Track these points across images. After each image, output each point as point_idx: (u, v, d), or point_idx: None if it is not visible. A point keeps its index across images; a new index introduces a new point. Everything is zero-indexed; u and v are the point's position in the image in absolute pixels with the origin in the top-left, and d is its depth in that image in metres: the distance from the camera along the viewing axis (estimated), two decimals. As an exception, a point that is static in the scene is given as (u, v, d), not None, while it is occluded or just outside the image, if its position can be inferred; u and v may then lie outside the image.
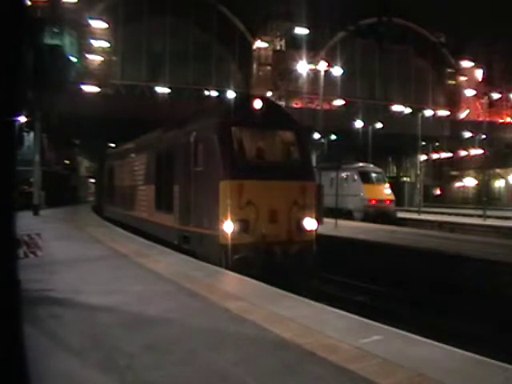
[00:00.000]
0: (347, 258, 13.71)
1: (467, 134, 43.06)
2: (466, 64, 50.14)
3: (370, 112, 44.37)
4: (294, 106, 42.27)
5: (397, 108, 48.89)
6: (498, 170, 42.31)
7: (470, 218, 25.75)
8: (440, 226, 23.80)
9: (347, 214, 25.18)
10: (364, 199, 25.93)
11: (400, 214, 27.39)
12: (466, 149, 46.04)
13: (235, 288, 7.09)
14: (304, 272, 9.50)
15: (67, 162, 44.68)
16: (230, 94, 40.07)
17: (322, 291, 10.45)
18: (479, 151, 40.93)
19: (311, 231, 9.80)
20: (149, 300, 5.97)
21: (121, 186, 18.72)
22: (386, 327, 5.01)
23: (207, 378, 3.67)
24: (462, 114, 51.28)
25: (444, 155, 49.15)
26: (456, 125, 45.76)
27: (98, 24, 34.28)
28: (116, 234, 14.45)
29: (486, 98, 42.12)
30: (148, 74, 43.86)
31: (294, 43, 41.96)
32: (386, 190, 26.99)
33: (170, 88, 42.47)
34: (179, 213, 11.07)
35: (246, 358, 4.07)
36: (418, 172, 37.59)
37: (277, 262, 9.16)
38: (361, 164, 29.49)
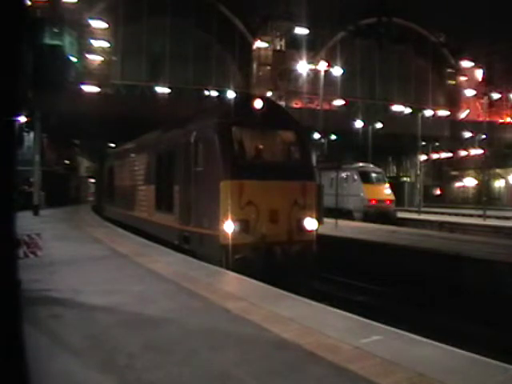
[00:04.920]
0: (347, 258, 13.71)
1: (467, 134, 43.05)
2: (465, 64, 50.15)
3: (370, 112, 44.35)
4: (294, 105, 42.26)
5: (397, 108, 48.89)
6: (497, 170, 42.29)
7: (470, 218, 25.75)
8: (440, 226, 23.79)
9: (347, 214, 25.17)
10: (364, 199, 25.92)
11: (400, 214, 27.38)
12: (466, 149, 46.03)
13: (235, 288, 7.09)
14: (304, 272, 9.50)
15: (67, 161, 44.66)
16: (230, 94, 40.09)
17: (322, 291, 10.45)
18: (479, 151, 40.91)
19: (311, 231, 9.80)
20: (149, 300, 5.97)
21: (121, 185, 18.71)
22: (386, 327, 5.01)
23: (207, 378, 3.67)
24: (462, 114, 51.27)
25: (444, 155, 49.14)
26: (456, 125, 45.73)
27: (98, 24, 34.33)
28: (116, 233, 14.45)
29: (486, 97, 42.07)
30: (148, 74, 43.85)
31: (294, 43, 41.97)
32: (386, 190, 26.97)
33: (170, 88, 42.47)
34: (179, 213, 11.07)
35: (246, 358, 4.06)
36: (418, 172, 37.58)
37: (277, 262, 9.16)
38: (361, 164, 29.48)
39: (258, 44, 45.98)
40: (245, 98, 12.61)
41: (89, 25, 34.43)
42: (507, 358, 4.48)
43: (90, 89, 36.80)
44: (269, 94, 40.87)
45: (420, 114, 39.05)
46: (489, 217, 24.32)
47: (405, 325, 6.48)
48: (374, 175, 27.58)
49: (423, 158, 42.30)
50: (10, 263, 2.63)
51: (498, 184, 45.00)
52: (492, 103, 47.17)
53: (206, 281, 7.17)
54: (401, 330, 4.93)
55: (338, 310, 5.75)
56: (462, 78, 51.73)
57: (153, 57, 43.92)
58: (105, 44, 37.45)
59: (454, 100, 52.29)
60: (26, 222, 16.18)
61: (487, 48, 45.02)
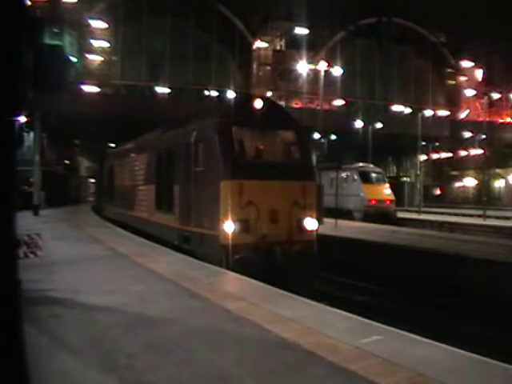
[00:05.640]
0: (347, 258, 13.71)
1: (467, 134, 43.04)
2: (465, 64, 50.15)
3: (370, 112, 44.38)
4: (294, 105, 42.28)
5: (397, 108, 48.90)
6: (497, 170, 42.30)
7: (470, 218, 25.76)
8: (440, 226, 23.79)
9: (347, 214, 25.17)
10: (364, 199, 25.92)
11: (400, 214, 27.38)
12: (466, 149, 46.04)
13: (235, 288, 7.09)
14: (304, 272, 9.50)
15: (67, 161, 44.68)
16: (230, 94, 40.11)
17: (322, 291, 10.45)
18: (479, 151, 40.92)
19: (312, 231, 9.80)
20: (149, 300, 5.97)
21: (121, 185, 18.71)
22: (386, 327, 5.01)
23: (207, 378, 3.67)
24: (462, 114, 51.27)
25: (444, 155, 49.15)
26: (456, 125, 45.76)
27: (98, 24, 34.28)
28: (116, 233, 14.44)
29: (486, 97, 42.08)
30: (148, 74, 43.86)
31: (294, 43, 41.97)
32: (386, 190, 26.97)
33: (170, 88, 42.48)
34: (179, 213, 11.06)
35: (246, 358, 4.06)
36: (418, 172, 37.59)
37: (277, 262, 9.15)
38: (361, 164, 29.49)
39: (258, 44, 45.99)
40: (245, 98, 12.61)
41: (89, 25, 34.39)
42: (507, 358, 4.47)
43: (90, 89, 36.80)
44: (269, 94, 40.87)
45: (420, 114, 39.06)
46: (489, 217, 24.33)
47: (405, 325, 6.48)
48: (374, 175, 27.58)
49: (423, 158, 42.32)
50: (10, 263, 2.63)
51: (498, 184, 45.00)
52: (492, 103, 47.15)
53: (206, 281, 7.17)
54: (401, 330, 4.93)
55: (338, 310, 5.75)
56: (462, 78, 51.74)
57: (153, 57, 43.92)
58: (105, 44, 37.41)
59: (454, 100, 52.30)
60: (25, 222, 16.17)
61: (487, 48, 45.00)
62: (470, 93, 49.46)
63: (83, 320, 5.14)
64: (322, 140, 31.82)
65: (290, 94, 43.63)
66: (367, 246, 13.86)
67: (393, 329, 4.96)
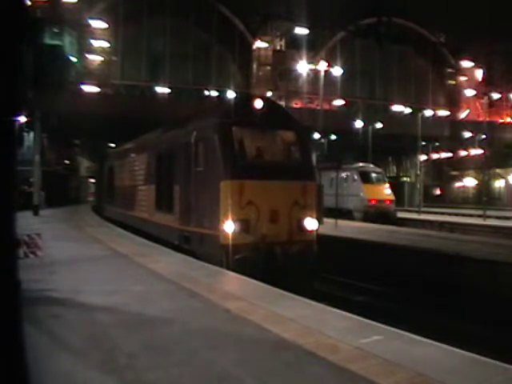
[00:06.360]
0: (347, 257, 13.71)
1: (467, 134, 43.05)
2: (466, 64, 50.13)
3: (370, 112, 44.37)
4: (294, 106, 42.28)
5: (397, 108, 48.89)
6: (497, 170, 42.29)
7: (470, 218, 25.76)
8: (440, 226, 23.79)
9: (347, 214, 25.18)
10: (364, 199, 25.93)
11: (400, 214, 27.38)
12: (466, 149, 46.04)
13: (235, 288, 7.09)
14: (305, 272, 9.50)
15: (67, 161, 44.68)
16: (230, 94, 40.10)
17: (322, 291, 10.45)
18: (479, 151, 40.93)
19: (312, 231, 9.80)
20: (149, 300, 5.97)
21: (121, 185, 18.71)
22: (386, 327, 5.01)
23: (207, 379, 3.67)
24: (462, 114, 51.27)
25: (444, 155, 49.15)
26: (456, 125, 45.76)
27: (98, 24, 34.22)
28: (116, 234, 14.44)
29: (486, 97, 42.09)
30: (148, 74, 43.87)
31: (294, 43, 41.98)
32: (386, 190, 26.98)
33: (170, 88, 42.48)
34: (179, 213, 11.06)
35: (246, 358, 4.06)
36: (418, 172, 37.59)
37: (277, 262, 9.16)
38: (361, 164, 29.49)
39: (258, 44, 46.00)
40: (245, 98, 12.62)
41: (89, 25, 34.35)
42: (507, 358, 4.47)
43: (90, 89, 36.80)
44: (269, 94, 40.88)
45: (420, 114, 39.05)
46: (489, 217, 24.32)
47: (405, 325, 6.48)
48: (374, 175, 27.58)
49: (423, 158, 42.32)
50: (10, 263, 2.63)
51: (498, 184, 44.99)
52: (492, 103, 47.19)
53: (206, 281, 7.17)
54: (401, 330, 4.93)
55: (338, 310, 5.75)
56: (462, 78, 51.73)
57: (153, 57, 43.93)
58: (105, 44, 37.39)
59: (453, 100, 52.30)
60: (25, 222, 16.17)
61: (487, 48, 45.01)
62: (469, 93, 49.43)
63: (83, 320, 5.14)
64: (322, 140, 31.82)
65: (289, 93, 43.63)
66: (367, 245, 13.86)
67: (393, 329, 4.96)
